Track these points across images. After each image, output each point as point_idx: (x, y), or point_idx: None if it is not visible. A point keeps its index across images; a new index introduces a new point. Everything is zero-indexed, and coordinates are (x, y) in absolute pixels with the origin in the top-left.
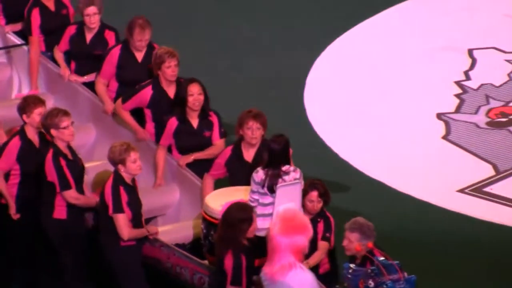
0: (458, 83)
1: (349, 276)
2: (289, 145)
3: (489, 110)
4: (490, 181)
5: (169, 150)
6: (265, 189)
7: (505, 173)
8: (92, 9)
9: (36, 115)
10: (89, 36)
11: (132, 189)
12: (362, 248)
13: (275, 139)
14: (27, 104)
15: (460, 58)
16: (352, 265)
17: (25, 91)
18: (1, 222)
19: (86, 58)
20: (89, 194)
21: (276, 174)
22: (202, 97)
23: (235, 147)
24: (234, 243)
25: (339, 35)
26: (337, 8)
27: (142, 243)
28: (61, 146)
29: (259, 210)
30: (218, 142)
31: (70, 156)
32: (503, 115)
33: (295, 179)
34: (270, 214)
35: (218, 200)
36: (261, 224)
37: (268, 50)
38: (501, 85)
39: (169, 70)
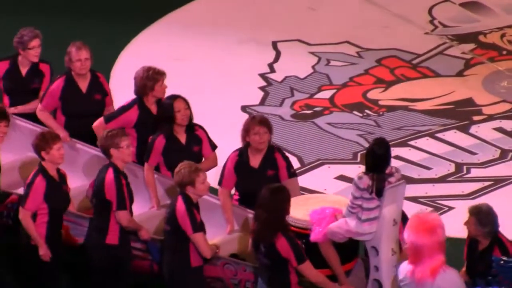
0: (262, 75)
1: (501, 268)
2: (390, 148)
3: (294, 103)
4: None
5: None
6: (373, 194)
7: (310, 165)
8: (37, 42)
9: (55, 150)
10: (24, 70)
11: (198, 210)
12: (479, 233)
13: (377, 143)
14: (45, 140)
15: (264, 51)
16: (503, 257)
17: None
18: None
19: (22, 92)
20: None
21: (382, 178)
22: (189, 112)
23: (240, 154)
24: (282, 225)
25: (143, 28)
26: (140, 2)
27: (206, 263)
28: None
29: (364, 215)
30: (211, 155)
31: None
32: (307, 107)
33: (398, 179)
34: (376, 218)
35: (299, 210)
36: (368, 229)
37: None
38: (305, 78)
39: (163, 87)
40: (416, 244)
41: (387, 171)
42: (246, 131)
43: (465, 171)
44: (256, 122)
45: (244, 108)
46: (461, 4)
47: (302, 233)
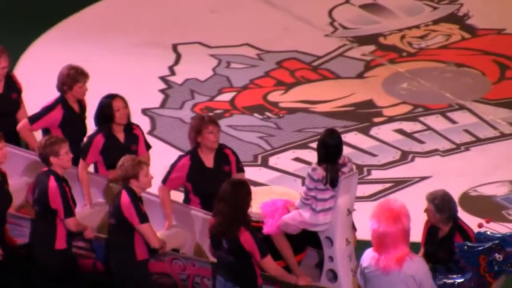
0: (163, 78)
1: (465, 254)
2: (341, 138)
3: (194, 105)
4: None
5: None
6: (327, 185)
7: None
8: None
9: None
10: None
11: (142, 203)
12: (438, 219)
13: (329, 134)
14: None
15: (164, 53)
16: (467, 243)
17: None
18: None
19: None
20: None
21: (336, 169)
22: (128, 110)
23: (192, 157)
24: (245, 219)
25: (42, 33)
26: (39, 6)
27: (152, 257)
28: None
29: (318, 206)
30: (145, 154)
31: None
32: (208, 110)
33: (351, 169)
34: (330, 208)
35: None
36: (322, 220)
37: None
38: (206, 80)
39: (82, 90)
40: (381, 232)
41: (340, 161)
42: (198, 131)
43: (365, 173)
44: (208, 122)
45: (144, 111)
46: (361, 6)
47: (255, 226)
